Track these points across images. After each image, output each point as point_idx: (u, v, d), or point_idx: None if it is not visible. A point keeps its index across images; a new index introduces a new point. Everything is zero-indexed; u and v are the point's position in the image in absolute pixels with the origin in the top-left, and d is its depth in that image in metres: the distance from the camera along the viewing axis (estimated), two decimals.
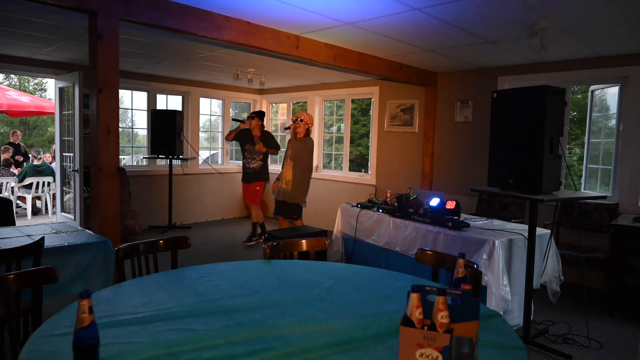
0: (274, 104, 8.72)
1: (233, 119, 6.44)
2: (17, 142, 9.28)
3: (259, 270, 2.10)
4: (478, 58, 4.92)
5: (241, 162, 8.29)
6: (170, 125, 6.52)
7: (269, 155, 6.00)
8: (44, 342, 1.30)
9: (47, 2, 2.63)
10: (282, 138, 8.55)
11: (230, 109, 8.34)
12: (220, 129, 8.17)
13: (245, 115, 6.82)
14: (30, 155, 8.64)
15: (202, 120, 7.96)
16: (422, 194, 3.96)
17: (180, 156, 6.75)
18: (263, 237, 5.91)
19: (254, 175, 5.85)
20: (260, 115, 5.89)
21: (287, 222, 5.32)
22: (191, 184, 7.37)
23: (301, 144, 5.14)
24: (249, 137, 5.81)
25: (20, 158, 8.84)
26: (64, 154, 6.14)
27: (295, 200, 5.15)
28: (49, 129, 19.87)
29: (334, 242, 4.63)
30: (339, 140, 7.62)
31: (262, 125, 5.90)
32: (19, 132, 9.62)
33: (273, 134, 8.64)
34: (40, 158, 7.86)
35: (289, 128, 5.32)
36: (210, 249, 5.80)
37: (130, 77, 6.71)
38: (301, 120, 5.13)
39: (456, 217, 3.61)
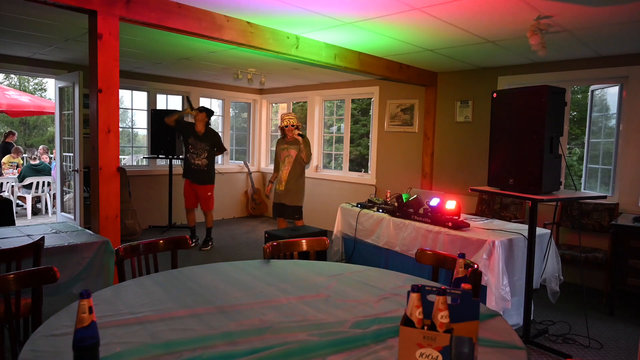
0: (274, 104, 8.72)
1: (187, 98, 6.08)
2: (11, 143, 9.32)
3: (259, 270, 2.10)
4: (478, 58, 4.92)
5: (242, 162, 8.37)
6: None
7: (217, 156, 5.77)
8: (44, 342, 1.30)
9: (47, 2, 2.63)
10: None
11: (230, 109, 8.33)
12: (220, 129, 8.17)
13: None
14: (25, 156, 8.66)
15: None
16: (422, 194, 3.96)
17: (180, 156, 6.75)
18: (197, 241, 5.94)
19: (201, 175, 5.63)
20: (208, 112, 5.66)
21: (286, 223, 5.32)
22: None
23: (304, 144, 5.02)
24: (192, 132, 5.59)
25: None
26: (64, 154, 6.14)
27: (294, 202, 5.11)
28: (49, 129, 19.87)
29: (334, 242, 4.63)
30: (339, 140, 7.62)
31: (208, 123, 5.68)
32: (15, 133, 9.65)
33: (273, 134, 8.66)
34: (35, 158, 7.88)
35: (284, 137, 5.09)
36: (210, 249, 5.80)
37: (130, 77, 6.71)
38: (294, 126, 4.99)
39: (456, 217, 3.61)
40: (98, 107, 2.89)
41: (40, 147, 9.48)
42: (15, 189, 7.55)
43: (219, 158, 7.74)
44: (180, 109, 7.37)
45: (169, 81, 7.18)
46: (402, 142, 6.40)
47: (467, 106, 5.67)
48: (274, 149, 8.74)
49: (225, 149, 5.80)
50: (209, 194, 5.73)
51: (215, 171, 5.92)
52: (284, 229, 4.92)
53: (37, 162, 7.80)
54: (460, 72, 5.71)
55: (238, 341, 1.35)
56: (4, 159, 8.52)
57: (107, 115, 2.94)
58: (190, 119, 5.87)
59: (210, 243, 5.85)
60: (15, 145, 9.09)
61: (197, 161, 5.59)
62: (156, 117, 6.62)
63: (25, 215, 7.51)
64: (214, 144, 5.64)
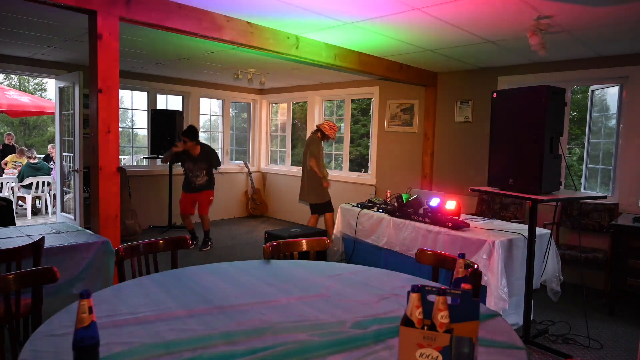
0: (274, 104, 8.72)
1: (173, 146, 5.72)
2: (11, 144, 9.34)
3: (259, 270, 2.10)
4: (478, 58, 4.92)
5: (242, 162, 8.37)
6: (170, 125, 6.52)
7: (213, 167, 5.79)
8: (44, 342, 1.30)
9: (47, 2, 2.63)
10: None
11: (230, 109, 8.33)
12: (220, 129, 8.17)
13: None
14: (25, 156, 8.68)
15: (202, 120, 7.97)
16: (422, 194, 3.96)
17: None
18: (197, 243, 5.97)
19: (202, 187, 5.71)
20: (190, 135, 5.47)
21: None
22: None
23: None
24: (189, 156, 5.59)
25: None
26: (64, 154, 6.14)
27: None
28: (49, 129, 19.88)
29: (334, 242, 4.63)
30: (339, 140, 7.62)
31: (197, 142, 5.56)
32: (12, 135, 9.69)
33: (273, 134, 8.66)
34: (35, 157, 7.88)
35: (326, 138, 5.61)
36: (210, 249, 5.80)
37: (130, 77, 6.71)
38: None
39: (456, 217, 3.61)
40: (98, 107, 2.89)
41: (50, 145, 9.51)
42: (15, 189, 7.55)
43: None
44: (180, 109, 7.40)
45: (169, 81, 7.18)
46: (402, 142, 6.40)
47: (467, 106, 5.67)
48: (274, 149, 8.77)
49: (219, 166, 5.83)
50: (211, 198, 5.81)
51: (213, 172, 5.91)
52: (284, 228, 4.92)
53: (35, 161, 7.80)
54: (460, 72, 5.71)
55: (238, 341, 1.35)
56: (7, 158, 8.55)
57: (107, 115, 2.94)
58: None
59: (209, 243, 5.86)
60: (18, 147, 9.12)
61: (197, 182, 5.66)
62: (156, 117, 6.63)
63: (25, 215, 7.51)
64: (211, 163, 5.68)
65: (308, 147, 5.62)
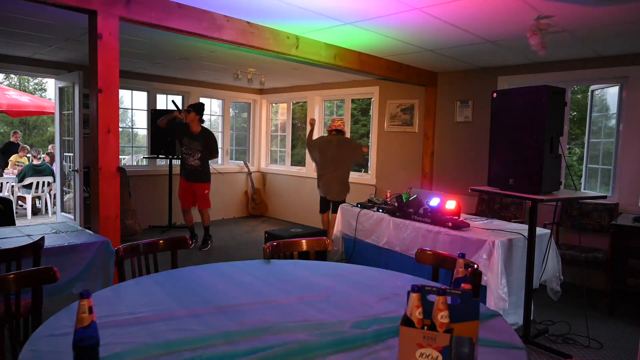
0: (274, 104, 8.72)
1: (173, 102, 5.79)
2: (16, 142, 9.33)
3: (259, 270, 2.10)
4: (478, 58, 4.92)
5: (242, 162, 8.37)
6: (170, 125, 6.51)
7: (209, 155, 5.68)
8: (44, 342, 1.30)
9: (47, 2, 2.63)
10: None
11: (230, 109, 8.33)
12: (220, 129, 8.17)
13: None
14: (29, 155, 8.67)
15: None
16: (422, 194, 3.96)
17: (179, 156, 6.74)
18: (196, 241, 5.91)
19: (197, 174, 5.60)
20: (197, 109, 5.53)
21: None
22: None
23: None
24: (187, 131, 5.54)
25: None
26: (64, 154, 6.14)
27: None
28: (49, 129, 19.88)
29: (334, 242, 4.63)
30: None
31: (201, 120, 5.59)
32: (19, 133, 9.66)
33: (273, 134, 8.66)
34: (40, 158, 7.86)
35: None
36: (210, 249, 5.80)
37: (130, 77, 6.71)
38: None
39: (456, 217, 3.61)
40: (98, 107, 2.89)
41: (50, 146, 9.48)
42: (15, 189, 7.55)
43: (218, 158, 7.73)
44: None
45: (169, 81, 7.18)
46: (402, 142, 6.40)
47: (467, 106, 5.67)
48: (274, 149, 8.77)
49: (216, 154, 5.72)
50: (206, 191, 5.72)
51: (212, 170, 5.87)
52: (284, 228, 4.92)
53: (39, 162, 7.79)
54: (460, 72, 5.71)
55: (238, 341, 1.35)
56: (12, 158, 8.55)
57: (107, 115, 2.94)
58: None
59: (209, 242, 5.84)
60: (22, 145, 9.11)
61: (190, 162, 5.57)
62: (156, 117, 6.60)
63: (25, 215, 7.51)
64: (207, 145, 5.58)
65: (345, 149, 5.39)
